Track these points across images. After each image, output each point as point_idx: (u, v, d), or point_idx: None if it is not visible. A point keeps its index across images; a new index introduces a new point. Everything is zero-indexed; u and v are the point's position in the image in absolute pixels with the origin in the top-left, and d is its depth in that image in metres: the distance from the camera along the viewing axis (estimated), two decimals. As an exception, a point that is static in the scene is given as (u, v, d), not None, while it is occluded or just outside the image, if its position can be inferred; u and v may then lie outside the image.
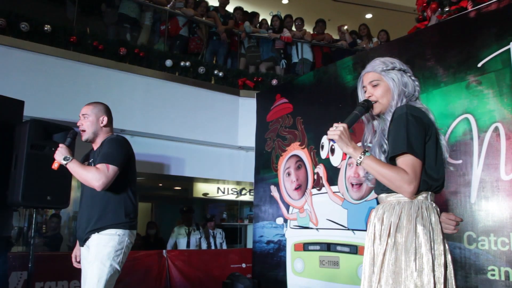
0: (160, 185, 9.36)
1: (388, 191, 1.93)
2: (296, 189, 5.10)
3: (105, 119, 2.98)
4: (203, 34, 7.37)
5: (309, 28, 8.52)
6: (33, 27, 5.45)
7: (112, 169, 2.72)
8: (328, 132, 1.92)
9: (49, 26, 5.55)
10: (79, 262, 2.98)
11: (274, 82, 7.20)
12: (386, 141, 1.95)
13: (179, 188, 9.74)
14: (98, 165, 2.71)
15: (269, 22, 8.19)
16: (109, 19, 6.64)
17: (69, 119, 5.19)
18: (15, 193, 3.62)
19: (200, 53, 7.28)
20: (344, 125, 1.90)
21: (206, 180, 8.31)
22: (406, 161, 1.82)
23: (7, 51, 5.20)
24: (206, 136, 6.66)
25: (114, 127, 3.08)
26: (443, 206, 3.49)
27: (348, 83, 4.68)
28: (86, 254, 2.84)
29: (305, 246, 4.84)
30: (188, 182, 8.47)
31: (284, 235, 5.16)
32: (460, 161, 3.49)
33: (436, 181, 1.91)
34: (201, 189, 8.88)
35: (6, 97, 3.95)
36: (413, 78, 2.05)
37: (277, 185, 5.39)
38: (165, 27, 7.03)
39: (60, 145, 2.79)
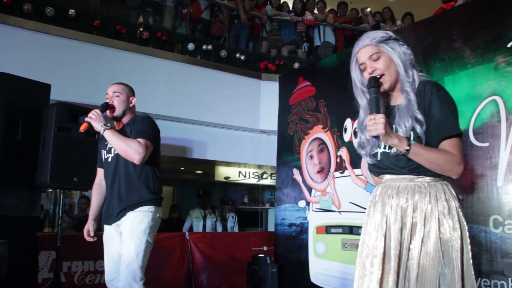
0: (182, 168, 9.45)
1: (420, 173, 1.83)
2: (318, 172, 5.09)
3: (135, 100, 3.08)
4: (224, 17, 7.35)
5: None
6: (57, 11, 5.51)
7: (150, 145, 2.81)
8: (370, 128, 1.72)
9: (73, 10, 5.60)
10: (91, 237, 3.06)
11: (296, 65, 7.15)
12: (419, 111, 1.81)
13: (201, 171, 9.83)
14: (139, 139, 2.77)
15: (290, 5, 8.12)
16: (131, 3, 6.67)
17: (93, 102, 5.25)
18: (43, 174, 3.71)
19: (222, 37, 7.26)
20: (383, 115, 1.70)
21: (227, 164, 8.35)
22: (456, 142, 1.78)
23: (33, 36, 5.29)
24: (228, 119, 6.68)
25: (136, 110, 3.15)
26: (469, 190, 3.45)
27: (372, 65, 4.60)
28: (113, 232, 2.93)
29: (328, 229, 4.85)
30: (210, 165, 8.52)
31: (306, 218, 5.17)
32: (487, 144, 3.43)
33: None
34: (222, 172, 8.94)
35: (34, 80, 4.03)
36: (405, 46, 1.91)
37: (299, 168, 5.38)
38: (187, 11, 7.02)
39: (95, 110, 2.80)
